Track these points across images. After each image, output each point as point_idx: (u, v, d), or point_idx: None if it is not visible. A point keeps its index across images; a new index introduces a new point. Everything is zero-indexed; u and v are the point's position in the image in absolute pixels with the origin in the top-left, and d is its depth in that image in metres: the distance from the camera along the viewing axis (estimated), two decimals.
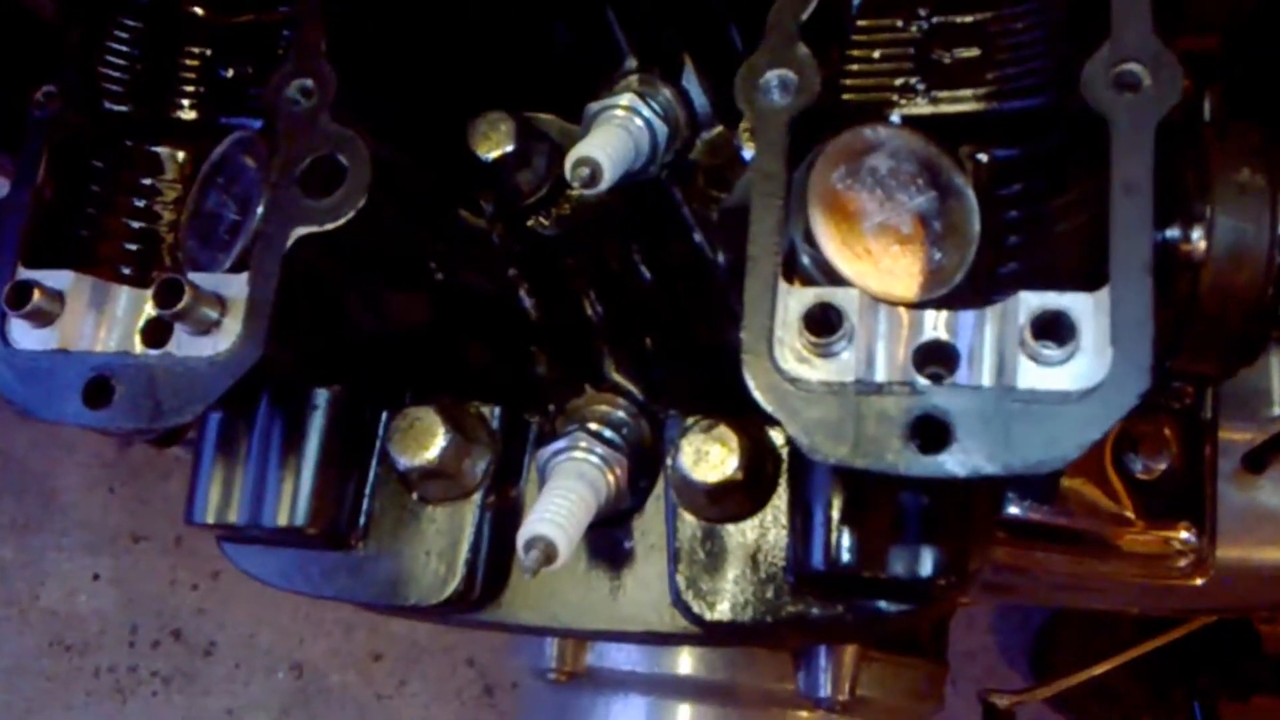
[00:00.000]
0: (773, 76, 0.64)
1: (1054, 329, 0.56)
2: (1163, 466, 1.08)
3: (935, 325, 0.60)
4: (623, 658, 1.10)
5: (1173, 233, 0.67)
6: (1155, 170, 0.58)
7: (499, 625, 0.85)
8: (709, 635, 0.80)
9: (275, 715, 2.64)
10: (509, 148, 0.83)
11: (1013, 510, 1.04)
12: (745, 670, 1.06)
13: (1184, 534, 1.09)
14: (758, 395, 0.59)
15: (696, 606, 0.77)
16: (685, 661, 1.07)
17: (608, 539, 0.84)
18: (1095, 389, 0.55)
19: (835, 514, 0.69)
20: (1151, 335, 0.55)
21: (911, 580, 0.69)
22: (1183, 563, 1.10)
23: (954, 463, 0.55)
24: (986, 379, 0.57)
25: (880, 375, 0.59)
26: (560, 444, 0.80)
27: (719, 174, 0.87)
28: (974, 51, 0.67)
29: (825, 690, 1.03)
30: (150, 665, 2.69)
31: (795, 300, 0.60)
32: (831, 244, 0.63)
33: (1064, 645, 2.28)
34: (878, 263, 0.63)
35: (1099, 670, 1.72)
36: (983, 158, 0.67)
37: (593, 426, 0.82)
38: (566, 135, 0.90)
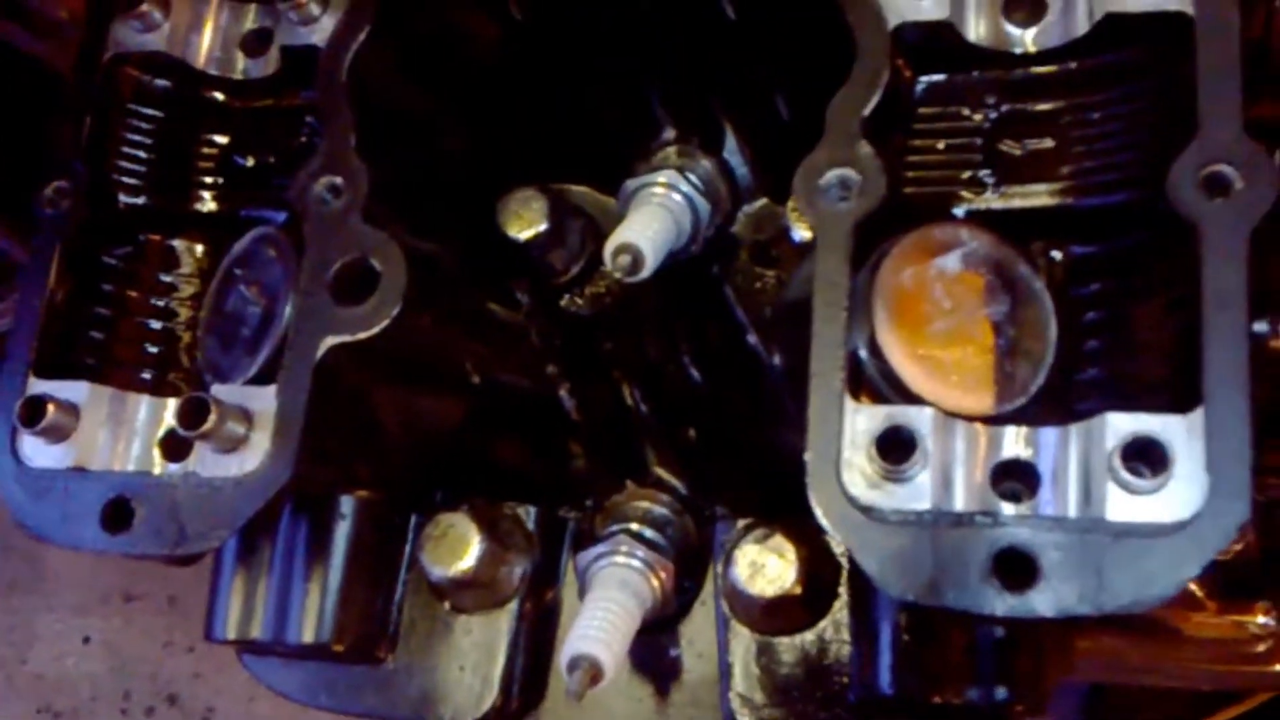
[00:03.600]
0: (834, 176, 0.64)
1: (1146, 455, 0.55)
2: (1238, 546, 1.07)
3: (1015, 442, 0.59)
4: None
5: (1260, 327, 0.66)
6: (1249, 280, 0.57)
7: None
8: None
9: None
10: (542, 226, 0.83)
11: None
12: None
13: (1261, 617, 1.08)
14: (827, 524, 0.58)
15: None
16: None
17: (652, 647, 0.84)
18: (1191, 521, 0.55)
19: (905, 636, 0.68)
20: (1250, 461, 0.55)
21: (987, 707, 0.68)
22: (1261, 647, 1.09)
23: (1042, 603, 0.55)
24: (1072, 506, 0.57)
25: (959, 502, 0.58)
26: (601, 548, 0.79)
27: (764, 250, 0.87)
28: (1047, 143, 0.66)
29: None
30: None
31: (864, 420, 0.59)
32: (898, 353, 0.62)
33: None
34: (949, 373, 0.62)
35: None
36: (1057, 255, 0.67)
37: (634, 527, 0.82)
38: (600, 208, 0.90)
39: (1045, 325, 0.64)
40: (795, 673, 0.76)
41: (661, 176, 0.84)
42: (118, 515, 0.66)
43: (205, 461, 0.67)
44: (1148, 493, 0.56)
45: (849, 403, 0.60)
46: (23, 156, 0.93)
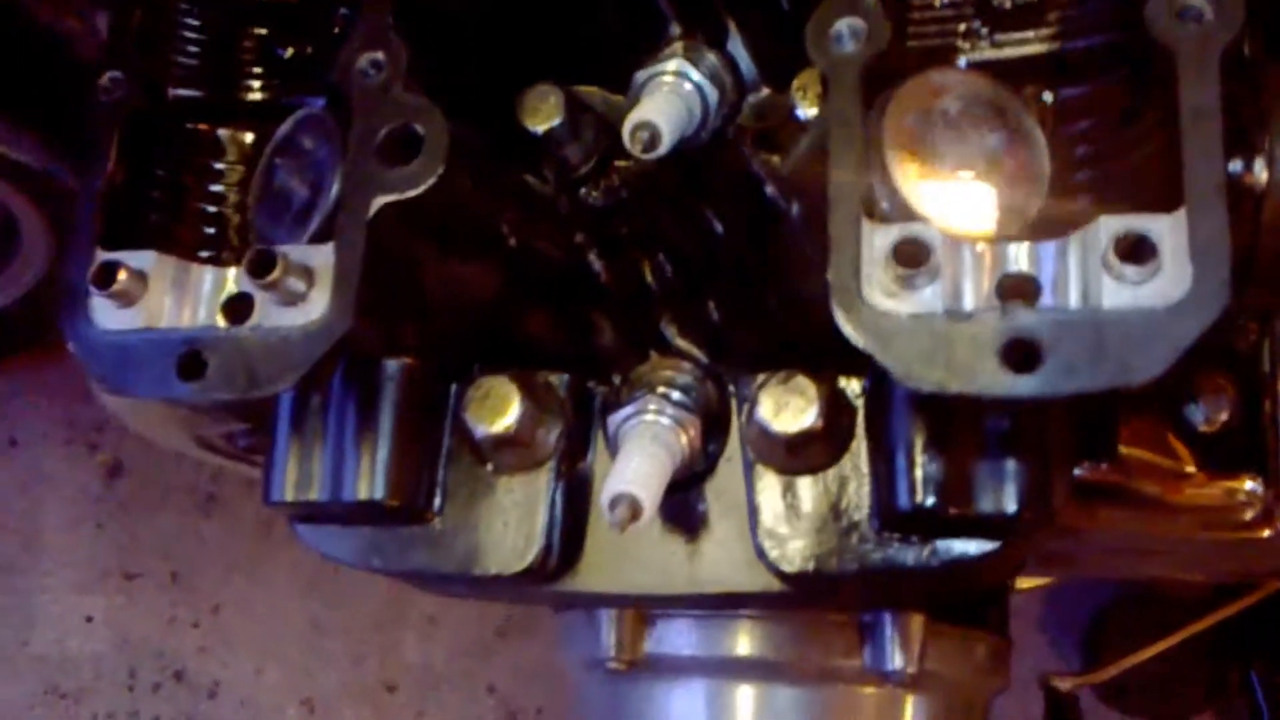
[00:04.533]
0: (843, 25, 0.71)
1: (1136, 250, 0.63)
2: (1223, 417, 1.14)
3: (1017, 257, 0.66)
4: (682, 642, 1.15)
5: (1234, 166, 0.74)
6: (1222, 96, 0.64)
7: (576, 595, 0.91)
8: (793, 589, 0.86)
9: None
10: (557, 120, 0.89)
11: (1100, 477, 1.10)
12: (809, 647, 1.12)
13: (1248, 484, 1.15)
14: (850, 329, 0.66)
15: (779, 560, 0.83)
16: (746, 642, 1.12)
17: (681, 503, 0.91)
18: (1179, 303, 0.62)
19: (917, 454, 0.75)
20: (1228, 251, 0.62)
21: (997, 515, 0.75)
22: (1248, 514, 1.16)
23: (1047, 381, 0.62)
24: (1073, 301, 0.64)
25: (968, 305, 0.65)
26: (630, 408, 0.86)
27: (769, 136, 0.94)
28: None
29: (893, 663, 1.09)
30: (152, 709, 2.73)
31: (880, 237, 0.67)
32: (908, 184, 0.69)
33: (1115, 635, 2.35)
34: (954, 201, 0.69)
35: (1156, 649, 1.79)
36: (1049, 97, 0.74)
37: (660, 389, 0.89)
38: (611, 107, 0.96)
39: (1039, 158, 0.72)
40: (818, 507, 0.83)
41: (671, 65, 0.91)
42: (192, 366, 0.72)
43: (269, 316, 0.73)
44: (1140, 282, 0.63)
45: (865, 224, 0.67)
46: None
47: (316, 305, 0.72)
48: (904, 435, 0.77)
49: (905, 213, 0.69)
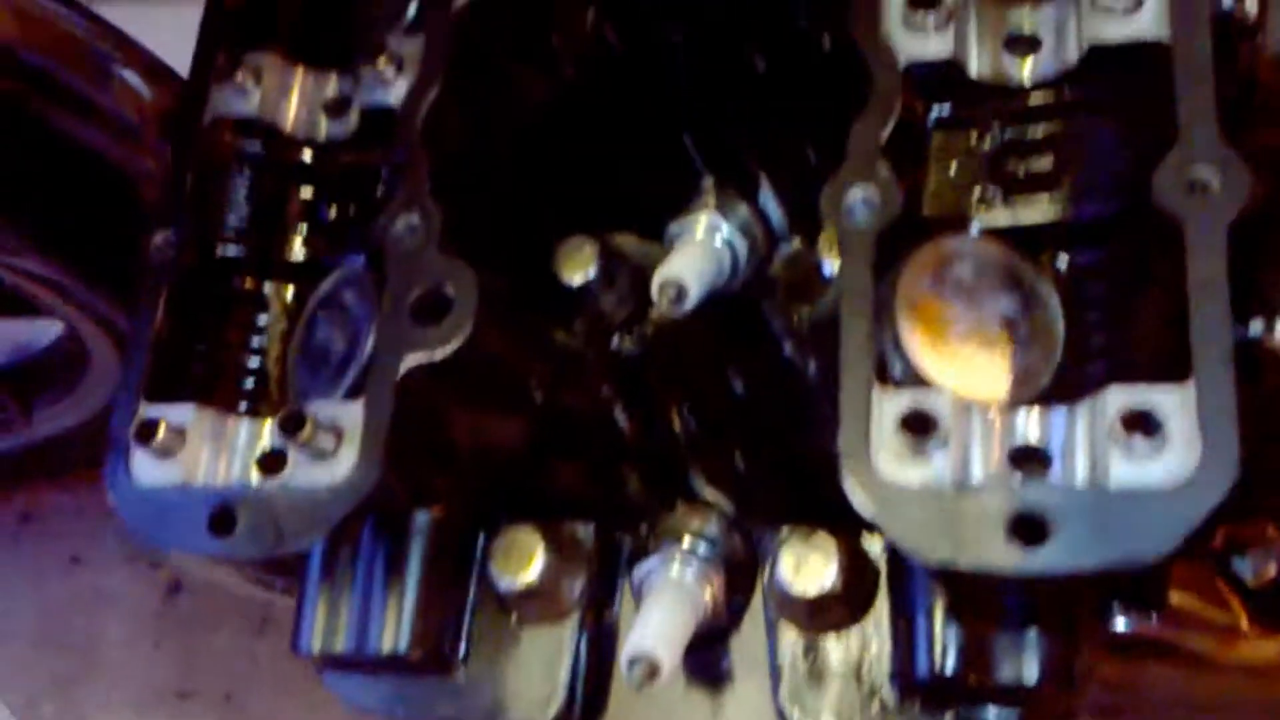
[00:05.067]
0: (857, 195, 0.73)
1: (1143, 422, 0.63)
2: (1272, 572, 1.12)
3: (1027, 426, 0.67)
4: None
5: (1256, 328, 0.74)
6: (1230, 267, 0.65)
7: None
8: None
9: None
10: (593, 271, 0.92)
11: (1120, 625, 1.09)
12: None
13: None
14: (858, 499, 0.67)
15: None
16: None
17: (705, 659, 0.91)
18: (1187, 480, 0.62)
19: (938, 620, 0.75)
20: (1236, 424, 0.62)
21: (1017, 685, 0.74)
22: None
23: (1054, 558, 0.62)
24: (1080, 476, 0.65)
25: (977, 477, 0.66)
26: (654, 561, 0.87)
27: (799, 288, 0.96)
28: (1047, 163, 0.76)
29: None
30: None
31: (890, 404, 0.68)
32: (920, 350, 0.71)
33: None
34: (967, 368, 0.71)
35: None
36: (1063, 263, 0.75)
37: (686, 542, 0.90)
38: (645, 254, 1.00)
39: (1054, 324, 0.73)
40: (840, 668, 0.82)
41: (702, 218, 0.94)
42: (222, 522, 0.75)
43: (298, 473, 0.76)
44: (1148, 457, 0.63)
45: (876, 390, 0.69)
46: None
47: (344, 463, 0.75)
48: (923, 601, 0.77)
49: (917, 378, 0.71)
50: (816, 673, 0.84)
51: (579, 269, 0.93)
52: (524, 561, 0.85)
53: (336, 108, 0.89)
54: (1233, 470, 0.62)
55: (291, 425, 0.74)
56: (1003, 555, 0.63)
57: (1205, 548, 1.10)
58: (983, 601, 0.75)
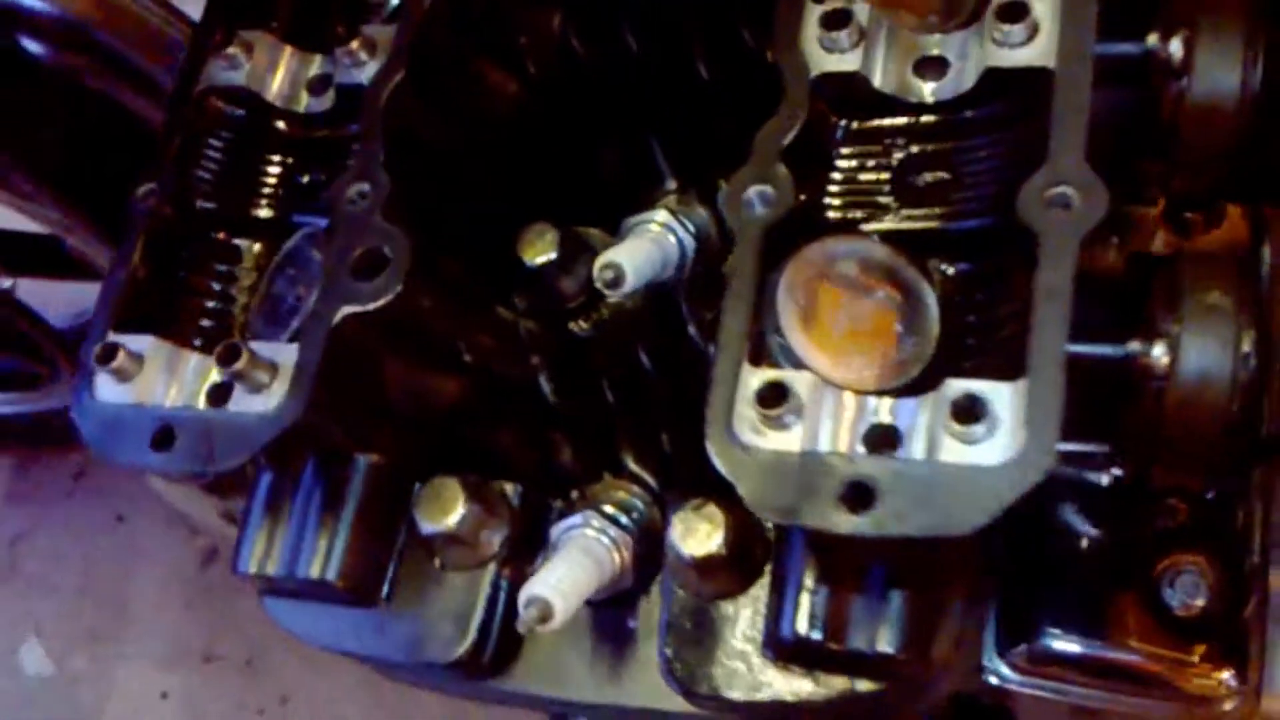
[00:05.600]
0: (753, 191, 0.80)
1: (972, 410, 0.69)
2: (1199, 603, 1.14)
3: (878, 409, 0.74)
4: None
5: (1135, 346, 0.80)
6: (1076, 278, 0.71)
7: (506, 694, 0.98)
8: (699, 712, 0.92)
9: None
10: (552, 255, 1.00)
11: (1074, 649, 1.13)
12: None
13: (1224, 675, 1.14)
14: (715, 459, 0.73)
15: (683, 681, 0.89)
16: None
17: (614, 619, 0.98)
18: (1005, 464, 0.68)
19: (805, 587, 0.82)
20: (1059, 420, 0.68)
21: (873, 655, 0.80)
22: (1229, 706, 1.16)
23: (876, 522, 0.69)
24: (914, 454, 0.71)
25: (824, 449, 0.72)
26: (572, 520, 0.95)
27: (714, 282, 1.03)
28: (943, 176, 0.82)
29: None
30: None
31: (755, 380, 0.75)
32: (797, 336, 0.77)
33: None
34: (839, 356, 0.77)
35: None
36: (949, 270, 0.82)
37: (607, 509, 0.97)
38: (606, 247, 1.07)
39: (930, 324, 0.79)
40: (722, 633, 0.89)
41: (658, 215, 1.02)
42: (163, 439, 0.84)
43: (237, 403, 0.85)
44: (976, 442, 0.69)
45: (746, 368, 0.76)
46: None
47: (276, 396, 0.84)
48: (795, 569, 0.83)
49: (794, 362, 0.77)
50: (701, 634, 0.90)
51: (540, 252, 1.00)
52: (446, 509, 0.92)
53: (318, 85, 0.98)
54: (1048, 459, 0.68)
55: (227, 356, 0.82)
56: (832, 517, 0.70)
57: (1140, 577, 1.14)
58: (848, 572, 0.81)
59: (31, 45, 1.43)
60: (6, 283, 2.01)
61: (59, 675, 2.99)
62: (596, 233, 1.08)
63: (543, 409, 1.00)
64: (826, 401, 0.74)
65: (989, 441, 0.69)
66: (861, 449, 0.73)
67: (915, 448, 0.71)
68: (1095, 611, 1.12)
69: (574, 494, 1.02)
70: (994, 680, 1.13)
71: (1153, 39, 0.85)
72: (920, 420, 0.72)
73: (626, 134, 1.07)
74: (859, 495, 0.70)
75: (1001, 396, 0.70)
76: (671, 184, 1.09)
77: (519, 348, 0.97)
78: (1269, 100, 0.95)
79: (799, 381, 0.74)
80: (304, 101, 0.99)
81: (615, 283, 0.92)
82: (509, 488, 0.98)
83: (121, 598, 3.07)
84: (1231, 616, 1.13)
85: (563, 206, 1.04)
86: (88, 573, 3.09)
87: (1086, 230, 0.72)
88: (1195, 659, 1.14)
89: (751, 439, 0.73)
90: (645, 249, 0.98)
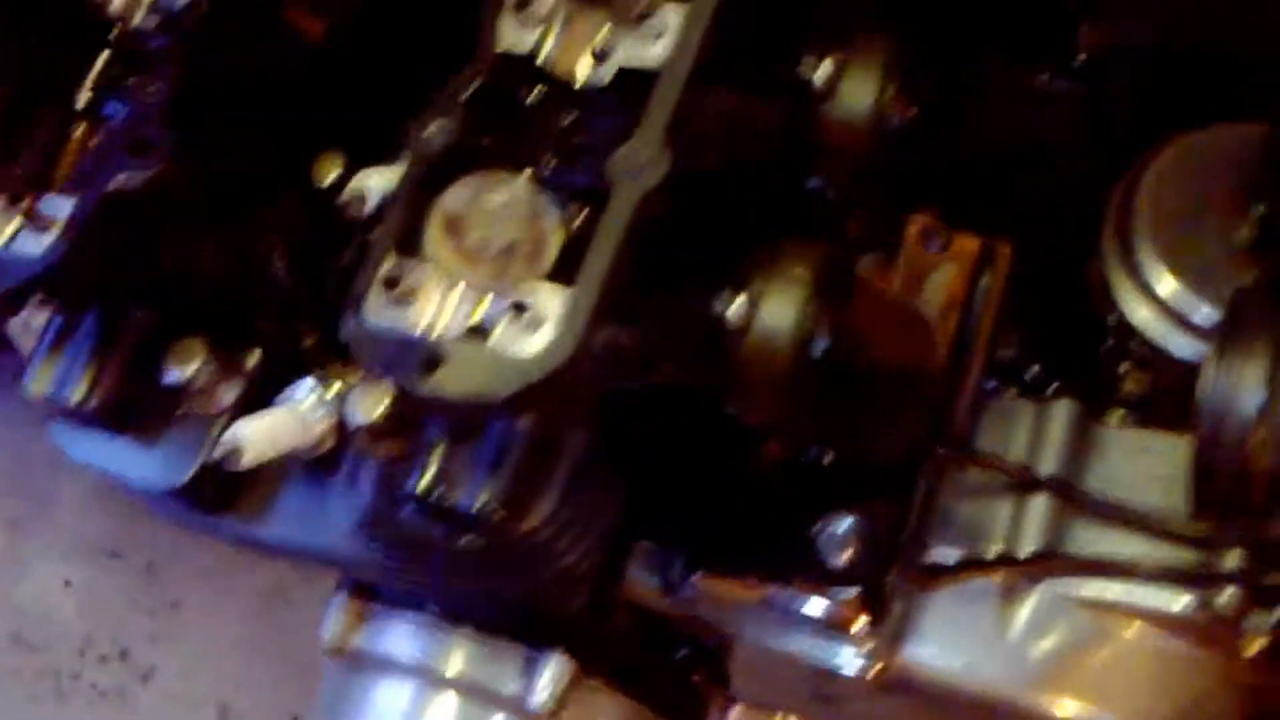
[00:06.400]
0: (435, 125, 1.03)
1: (518, 312, 0.92)
2: (847, 558, 1.35)
3: (478, 304, 0.96)
4: (383, 642, 1.44)
5: (719, 305, 1.03)
6: (632, 225, 0.93)
7: (223, 529, 1.21)
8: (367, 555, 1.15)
9: None
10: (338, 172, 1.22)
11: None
12: (482, 667, 1.38)
13: (862, 620, 1.34)
14: (344, 337, 0.96)
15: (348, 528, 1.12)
16: (418, 649, 1.40)
17: (323, 479, 1.21)
18: (538, 352, 0.91)
19: (425, 446, 1.04)
20: (585, 323, 0.90)
21: (463, 509, 1.02)
22: (866, 647, 1.35)
23: (432, 386, 0.91)
24: (487, 341, 0.93)
25: (422, 327, 0.95)
26: (296, 385, 1.17)
27: None
28: (587, 142, 1.04)
29: (532, 698, 1.35)
30: (92, 677, 3.08)
31: (388, 268, 0.97)
32: (435, 241, 0.99)
33: None
34: (464, 263, 0.99)
35: None
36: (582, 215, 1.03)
37: (335, 386, 1.19)
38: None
39: (546, 253, 1.01)
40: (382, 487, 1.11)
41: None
42: None
43: (14, 245, 1.08)
44: (523, 332, 0.92)
45: (390, 259, 0.98)
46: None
47: (47, 242, 1.07)
48: (430, 435, 1.05)
49: (432, 265, 1.00)
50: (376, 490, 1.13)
51: (327, 174, 1.23)
52: (185, 361, 1.16)
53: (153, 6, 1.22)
54: (565, 354, 0.90)
55: (10, 203, 1.06)
56: (409, 379, 0.92)
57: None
58: (464, 437, 1.03)
59: None
60: None
61: None
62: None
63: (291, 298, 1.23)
64: (435, 293, 0.96)
65: (534, 335, 0.92)
66: (450, 333, 0.95)
67: (490, 337, 0.94)
68: (759, 553, 1.34)
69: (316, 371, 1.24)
70: (669, 604, 1.35)
71: (807, 64, 1.09)
72: (499, 315, 0.94)
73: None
74: (433, 364, 0.92)
75: (550, 297, 0.93)
76: None
77: (266, 242, 1.20)
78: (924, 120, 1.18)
79: (420, 273, 0.97)
80: (139, 16, 1.22)
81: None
82: (253, 355, 1.21)
83: (46, 492, 3.32)
84: (877, 574, 1.32)
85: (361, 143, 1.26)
86: (17, 466, 3.33)
87: (645, 191, 0.95)
88: (838, 601, 1.33)
89: (377, 321, 0.96)
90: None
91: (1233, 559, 1.27)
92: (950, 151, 1.48)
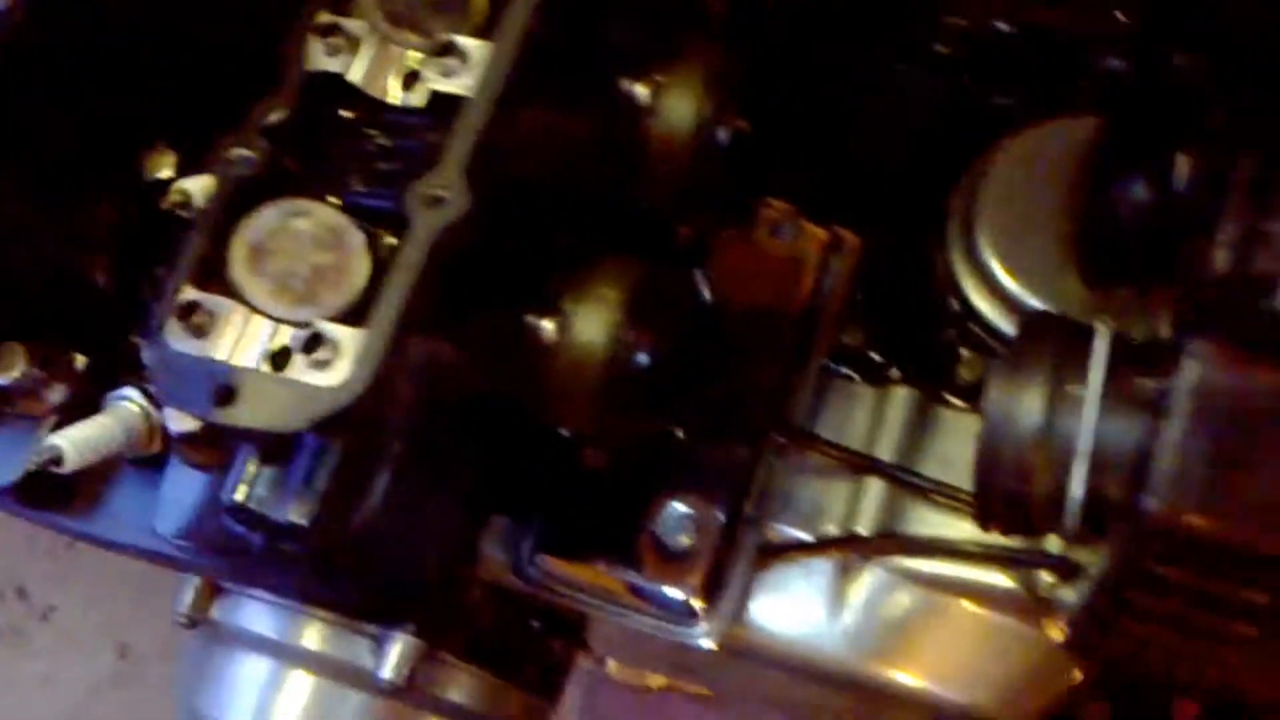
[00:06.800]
0: (238, 153, 1.04)
1: (320, 343, 0.95)
2: (686, 541, 1.40)
3: (276, 333, 0.98)
4: (239, 616, 1.47)
5: (531, 320, 1.06)
6: (430, 258, 0.96)
7: (59, 525, 1.24)
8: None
9: (89, 690, 3.03)
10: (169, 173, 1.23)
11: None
12: (334, 644, 1.43)
13: (699, 604, 1.40)
14: (145, 360, 0.98)
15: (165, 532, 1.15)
16: (270, 624, 1.44)
17: (155, 479, 1.23)
18: (326, 388, 0.93)
19: (244, 459, 1.06)
20: (376, 363, 0.93)
21: (280, 520, 1.05)
22: (704, 627, 1.41)
23: (230, 415, 0.94)
24: (282, 373, 0.96)
25: (222, 357, 0.97)
26: (119, 390, 1.19)
27: None
28: (396, 167, 1.06)
29: (381, 673, 1.40)
30: None
31: (183, 296, 0.99)
32: (238, 270, 1.01)
33: None
34: (265, 291, 1.01)
35: None
36: (391, 241, 1.05)
37: (150, 387, 1.21)
38: None
39: (354, 282, 1.03)
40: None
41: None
42: None
43: None
44: (319, 368, 0.95)
45: (185, 289, 1.00)
46: None
47: None
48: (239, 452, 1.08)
49: (233, 294, 1.01)
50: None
51: (155, 170, 1.24)
52: (7, 366, 1.17)
53: None
54: (354, 393, 0.93)
55: None
56: (204, 408, 0.95)
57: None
58: (273, 458, 1.06)
59: None
60: None
61: None
62: None
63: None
64: (236, 321, 0.99)
65: (329, 370, 0.95)
66: (248, 362, 0.97)
67: (287, 368, 0.96)
68: (604, 536, 1.39)
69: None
70: (522, 584, 1.40)
71: (631, 80, 1.11)
72: (299, 344, 0.97)
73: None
74: (225, 394, 0.95)
75: (347, 338, 0.95)
76: None
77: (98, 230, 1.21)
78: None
79: (217, 303, 0.99)
80: None
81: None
82: (80, 359, 1.23)
83: None
84: (716, 555, 1.38)
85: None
86: None
87: (448, 221, 0.97)
88: (680, 582, 1.38)
89: (175, 344, 0.98)
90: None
91: (1053, 542, 1.33)
92: (801, 140, 1.51)
